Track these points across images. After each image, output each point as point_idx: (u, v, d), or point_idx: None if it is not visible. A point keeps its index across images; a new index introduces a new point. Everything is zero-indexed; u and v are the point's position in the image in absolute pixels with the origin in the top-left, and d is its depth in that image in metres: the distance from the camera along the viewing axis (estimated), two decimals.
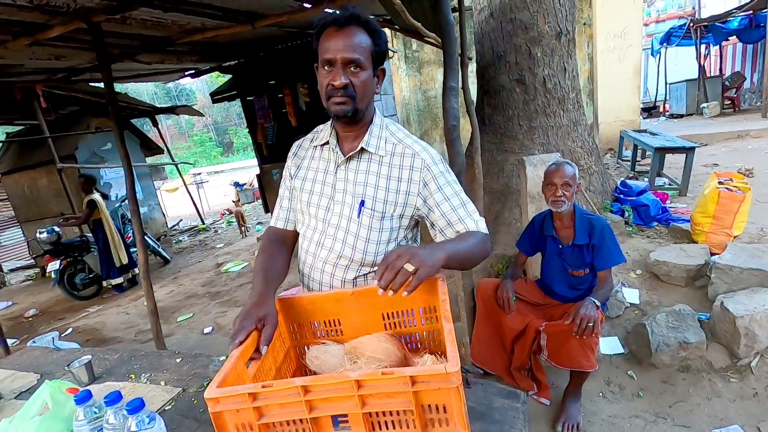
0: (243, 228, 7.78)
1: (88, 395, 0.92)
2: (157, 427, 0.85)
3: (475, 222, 1.13)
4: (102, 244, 5.30)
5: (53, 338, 3.30)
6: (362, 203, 1.14)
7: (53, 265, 5.35)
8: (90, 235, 5.55)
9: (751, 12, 9.23)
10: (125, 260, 5.43)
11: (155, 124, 8.58)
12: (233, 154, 35.86)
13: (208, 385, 1.25)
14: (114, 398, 0.88)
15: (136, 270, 5.70)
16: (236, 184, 12.63)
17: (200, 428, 1.09)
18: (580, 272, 2.16)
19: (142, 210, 7.80)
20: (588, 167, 3.71)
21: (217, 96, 6.43)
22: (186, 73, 6.14)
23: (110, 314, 4.80)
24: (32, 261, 8.53)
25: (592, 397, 2.16)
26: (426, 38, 3.52)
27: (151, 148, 8.78)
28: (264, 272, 1.13)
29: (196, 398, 1.22)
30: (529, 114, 3.61)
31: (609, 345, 2.42)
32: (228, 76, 6.77)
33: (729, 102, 10.40)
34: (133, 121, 8.54)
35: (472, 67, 4.35)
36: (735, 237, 2.76)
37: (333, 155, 1.19)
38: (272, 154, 6.64)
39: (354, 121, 1.13)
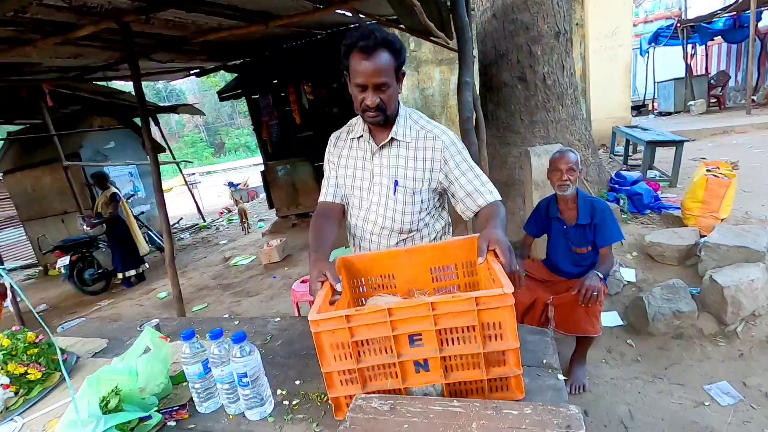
0: (245, 224, 7.91)
1: (192, 333, 1.10)
2: (255, 356, 1.03)
3: (490, 192, 1.36)
4: (118, 238, 5.42)
5: (79, 324, 3.42)
6: (396, 183, 1.38)
7: (63, 261, 5.46)
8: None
9: (735, 13, 9.60)
10: (146, 249, 5.59)
11: (157, 123, 8.67)
12: (225, 155, 35.79)
13: (271, 339, 1.45)
14: (217, 334, 1.06)
15: (147, 265, 5.84)
16: (230, 185, 12.61)
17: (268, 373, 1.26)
18: (583, 250, 2.37)
19: (145, 207, 7.89)
20: (585, 159, 3.94)
21: (224, 94, 6.56)
22: (191, 72, 6.28)
23: (124, 306, 4.93)
24: (32, 260, 8.57)
25: (596, 364, 2.37)
26: (433, 38, 3.72)
27: (152, 146, 8.86)
28: (318, 239, 1.34)
29: (264, 348, 1.39)
30: (530, 109, 3.83)
31: (609, 318, 2.64)
32: (229, 75, 6.92)
33: (715, 100, 10.76)
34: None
35: (475, 66, 4.55)
36: (722, 220, 3.00)
37: (368, 146, 1.42)
38: (277, 152, 6.80)
39: (387, 122, 1.35)
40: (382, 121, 1.32)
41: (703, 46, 12.11)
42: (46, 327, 1.13)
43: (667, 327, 2.39)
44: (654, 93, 12.54)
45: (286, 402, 1.09)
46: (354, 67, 1.23)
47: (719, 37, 10.93)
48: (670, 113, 11.17)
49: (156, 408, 1.09)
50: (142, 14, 2.85)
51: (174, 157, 9.61)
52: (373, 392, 0.95)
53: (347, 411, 0.89)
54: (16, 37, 3.06)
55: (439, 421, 0.82)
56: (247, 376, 1.01)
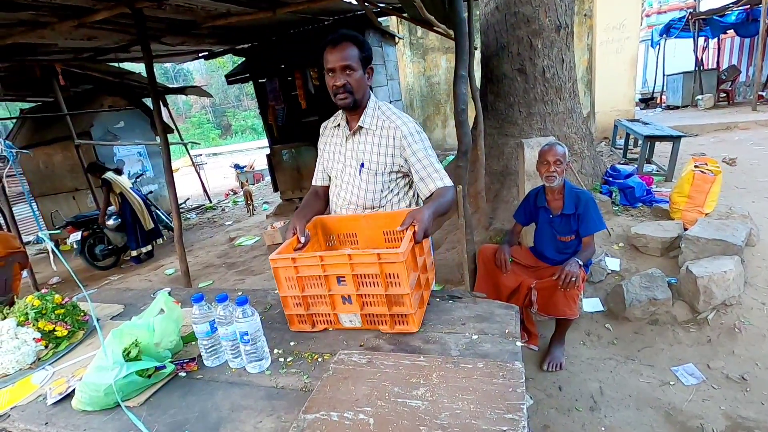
0: (251, 206, 8.09)
1: (201, 297, 1.27)
2: (256, 318, 1.20)
3: (441, 178, 1.58)
4: (130, 216, 5.62)
5: (97, 291, 3.63)
6: (362, 165, 1.63)
7: (75, 236, 5.68)
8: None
9: (748, 6, 9.47)
10: (151, 224, 5.79)
11: (166, 104, 8.79)
12: (231, 137, 35.85)
13: (270, 308, 1.62)
14: (223, 298, 1.22)
15: (159, 240, 6.06)
16: (236, 167, 12.72)
17: (267, 335, 1.43)
18: (567, 238, 2.51)
19: (153, 187, 8.09)
20: (581, 152, 4.04)
21: (231, 78, 6.67)
22: (200, 55, 6.38)
23: (133, 281, 5.15)
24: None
25: (574, 345, 2.54)
26: (435, 28, 3.80)
27: (163, 128, 9.01)
28: (302, 207, 1.76)
29: (264, 315, 1.56)
30: (529, 101, 3.92)
31: (591, 304, 2.79)
32: (237, 58, 7.00)
33: (724, 95, 10.69)
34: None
35: (477, 57, 4.63)
36: (706, 214, 3.11)
37: (343, 132, 1.69)
38: (282, 135, 6.92)
39: (355, 108, 1.59)
40: (351, 103, 1.55)
41: (715, 40, 11.96)
42: (81, 286, 1.31)
43: (643, 313, 2.54)
44: (663, 86, 12.45)
45: (281, 359, 1.26)
46: (326, 57, 1.50)
47: (731, 30, 10.80)
48: (677, 107, 11.11)
49: (170, 359, 1.26)
50: (154, 0, 2.97)
51: (182, 138, 9.76)
52: (314, 314, 1.35)
53: (297, 325, 1.36)
54: (34, 20, 3.19)
55: (407, 372, 0.98)
56: (248, 335, 1.17)
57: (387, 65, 7.17)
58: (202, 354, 1.29)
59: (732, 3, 9.55)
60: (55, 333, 1.51)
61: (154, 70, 3.29)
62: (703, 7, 11.63)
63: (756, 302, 2.47)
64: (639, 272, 2.85)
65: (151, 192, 7.27)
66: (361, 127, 1.62)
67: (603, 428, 1.96)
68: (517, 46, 3.89)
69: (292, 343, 1.34)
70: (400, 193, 1.70)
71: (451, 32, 3.40)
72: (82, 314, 1.64)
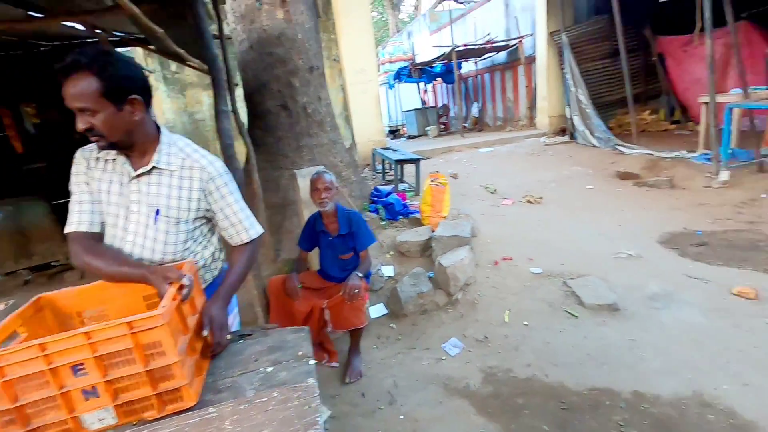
0: None
1: None
2: None
3: (249, 228, 1.47)
4: None
5: None
6: (157, 212, 1.32)
7: None
8: None
9: (446, 61, 12.67)
10: None
11: None
12: None
13: None
14: None
15: None
16: None
17: None
18: (347, 256, 2.76)
19: None
20: (348, 177, 4.53)
21: None
22: None
23: None
24: None
25: (368, 350, 2.78)
26: (189, 63, 3.63)
27: None
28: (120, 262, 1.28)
29: None
30: (296, 135, 4.17)
31: (377, 310, 3.13)
32: None
33: (443, 126, 13.93)
34: None
35: (240, 92, 4.63)
36: (444, 217, 3.97)
37: (125, 170, 1.33)
38: None
39: (122, 148, 1.29)
40: (107, 146, 1.24)
41: (431, 84, 15.50)
42: None
43: (415, 306, 3.01)
44: (403, 120, 15.29)
45: None
46: (62, 91, 1.16)
47: (440, 78, 14.25)
48: (415, 136, 13.80)
49: None
50: None
51: None
52: (38, 428, 0.95)
53: None
54: None
55: (197, 430, 0.88)
56: None
57: None
58: None
59: (436, 58, 12.56)
60: None
61: None
62: (419, 60, 14.92)
63: (484, 278, 3.28)
64: (407, 273, 3.36)
65: None
66: (155, 168, 1.32)
67: (401, 416, 2.20)
68: (277, 84, 4.10)
69: None
70: (203, 240, 1.47)
71: (206, 67, 3.31)
72: None
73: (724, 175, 4.96)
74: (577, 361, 2.41)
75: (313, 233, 2.80)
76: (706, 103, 5.42)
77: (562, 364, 2.41)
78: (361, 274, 2.55)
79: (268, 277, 3.34)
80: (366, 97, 8.47)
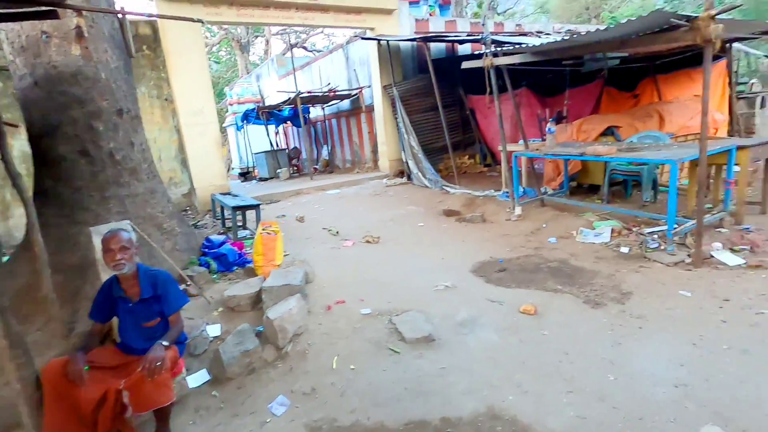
0: None
1: None
2: None
3: None
4: None
5: None
6: None
7: None
8: None
9: (293, 105, 12.91)
10: None
11: None
12: None
13: None
14: None
15: None
16: None
17: None
18: (152, 323, 2.44)
19: None
20: (172, 229, 4.12)
21: None
22: None
23: None
24: None
25: (184, 428, 2.46)
26: None
27: None
28: None
29: None
30: (100, 185, 3.64)
31: (197, 378, 2.81)
32: None
33: (296, 168, 13.98)
34: None
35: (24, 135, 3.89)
36: (278, 266, 3.88)
37: None
38: None
39: None
40: None
41: (281, 127, 15.54)
42: None
43: (241, 367, 2.81)
44: (253, 162, 14.86)
45: None
46: None
47: (289, 121, 14.39)
48: (266, 178, 13.51)
49: None
50: None
51: None
52: None
53: None
54: None
55: None
56: None
57: None
58: None
59: (282, 102, 12.71)
60: None
61: None
62: (268, 103, 14.89)
63: (316, 325, 3.26)
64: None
65: None
66: None
67: None
68: (74, 127, 3.57)
69: None
70: None
71: None
72: None
73: (518, 210, 6.04)
74: (396, 397, 2.53)
75: (108, 300, 2.43)
76: (501, 151, 6.61)
77: (383, 403, 2.49)
78: (167, 343, 2.28)
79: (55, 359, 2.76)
80: (205, 139, 8.01)
